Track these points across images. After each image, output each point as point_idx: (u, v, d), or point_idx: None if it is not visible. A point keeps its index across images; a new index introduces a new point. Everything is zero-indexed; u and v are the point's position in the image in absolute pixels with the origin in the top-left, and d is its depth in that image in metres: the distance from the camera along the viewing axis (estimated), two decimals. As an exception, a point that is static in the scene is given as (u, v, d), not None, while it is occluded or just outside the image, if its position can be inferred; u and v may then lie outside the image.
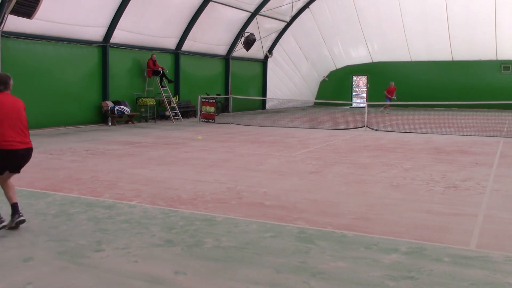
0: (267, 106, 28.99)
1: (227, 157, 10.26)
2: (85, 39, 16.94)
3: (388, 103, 25.48)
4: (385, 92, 26.34)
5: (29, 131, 5.34)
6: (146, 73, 19.73)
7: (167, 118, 20.33)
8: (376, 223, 5.53)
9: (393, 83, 26.72)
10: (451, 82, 29.55)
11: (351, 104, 33.06)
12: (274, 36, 27.48)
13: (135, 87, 19.46)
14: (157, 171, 8.62)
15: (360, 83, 37.55)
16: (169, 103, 20.13)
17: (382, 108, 26.22)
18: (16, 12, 13.32)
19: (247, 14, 24.06)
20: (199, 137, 13.67)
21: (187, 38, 21.25)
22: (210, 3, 20.88)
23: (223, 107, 24.00)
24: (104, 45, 17.63)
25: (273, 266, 4.18)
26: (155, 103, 19.83)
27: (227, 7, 22.23)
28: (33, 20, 13.92)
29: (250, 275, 4.00)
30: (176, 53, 21.47)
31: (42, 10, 13.99)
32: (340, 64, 32.80)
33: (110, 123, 17.65)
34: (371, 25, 28.60)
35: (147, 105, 19.46)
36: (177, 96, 21.39)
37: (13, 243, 4.73)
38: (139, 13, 18.08)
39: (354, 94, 35.34)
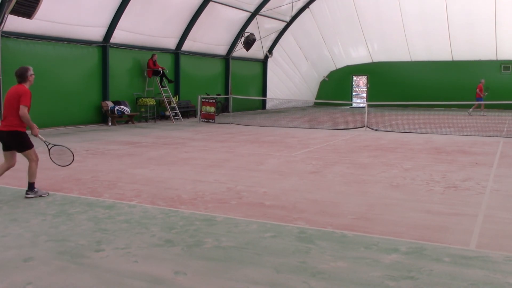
0: (267, 106, 28.99)
1: (227, 157, 10.26)
2: (85, 39, 16.94)
3: (481, 102, 23.57)
4: (478, 90, 24.48)
5: (13, 120, 6.51)
6: (146, 73, 19.74)
7: (167, 118, 20.33)
8: (376, 223, 5.53)
9: (484, 81, 24.95)
10: (451, 82, 29.55)
11: (351, 104, 33.07)
12: (274, 36, 27.48)
13: (135, 87, 19.46)
14: (157, 171, 8.63)
15: (360, 83, 37.57)
16: (169, 103, 20.13)
17: (481, 111, 24.64)
18: (16, 12, 13.32)
19: (247, 14, 24.05)
20: None
21: (187, 38, 21.25)
22: (210, 3, 20.88)
23: (223, 107, 24.01)
24: (104, 45, 17.63)
25: (273, 266, 4.18)
26: (155, 103, 19.83)
27: (227, 7, 22.23)
28: (33, 20, 13.92)
29: (250, 275, 4.00)
30: (176, 53, 21.47)
31: (42, 10, 13.99)
32: (340, 64, 32.80)
33: (110, 123, 17.65)
34: (371, 25, 28.60)
35: (147, 105, 19.46)
36: (177, 96, 21.39)
37: (13, 243, 4.73)
38: (139, 13, 18.08)
39: (354, 94, 35.37)
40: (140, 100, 19.27)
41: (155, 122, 19.66)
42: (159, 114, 20.43)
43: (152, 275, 3.97)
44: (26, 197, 6.59)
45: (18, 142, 6.58)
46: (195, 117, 21.55)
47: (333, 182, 7.83)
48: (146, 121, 19.61)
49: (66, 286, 3.75)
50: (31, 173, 6.65)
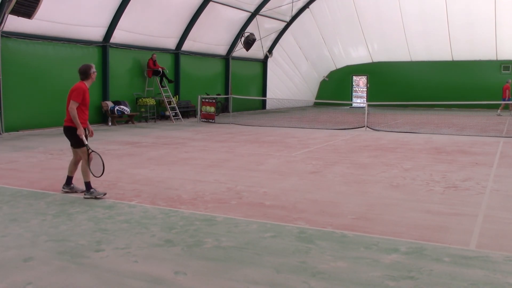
0: (267, 106, 28.99)
1: (227, 157, 10.26)
2: (85, 39, 16.94)
3: (507, 102, 23.30)
4: (508, 91, 24.00)
5: (67, 115, 6.84)
6: (146, 73, 19.74)
7: (167, 118, 20.33)
8: (376, 223, 5.53)
9: (510, 81, 24.49)
10: (451, 82, 29.55)
11: (351, 104, 33.07)
12: (274, 36, 27.47)
13: (135, 87, 19.46)
14: (157, 171, 8.62)
15: (360, 83, 37.57)
16: (169, 103, 20.14)
17: (500, 110, 24.44)
18: (16, 12, 13.32)
19: (247, 14, 24.05)
20: None
21: (187, 38, 21.25)
22: (210, 3, 20.88)
23: (223, 107, 24.01)
24: (104, 45, 17.63)
25: (273, 266, 4.18)
26: (155, 103, 19.82)
27: (227, 7, 22.23)
28: (33, 20, 13.92)
29: (250, 275, 4.00)
30: (176, 53, 21.47)
31: (42, 10, 13.98)
32: (340, 64, 32.80)
33: (110, 123, 17.65)
34: (371, 25, 28.60)
35: (147, 105, 19.46)
36: (177, 96, 21.39)
37: (13, 243, 4.73)
38: (139, 13, 18.08)
39: (354, 94, 35.36)
40: (140, 100, 19.27)
41: (155, 122, 19.66)
42: (159, 114, 20.43)
43: (152, 275, 3.97)
44: (84, 197, 6.56)
45: (70, 137, 6.78)
46: (195, 117, 21.55)
47: (333, 182, 7.83)
48: (146, 121, 19.61)
49: (66, 286, 3.75)
50: (82, 172, 6.67)
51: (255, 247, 4.67)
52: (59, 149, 11.34)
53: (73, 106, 6.61)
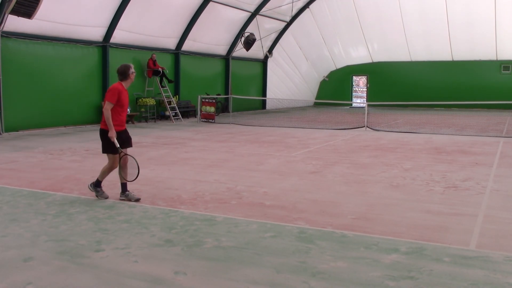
0: (267, 106, 28.99)
1: (227, 157, 10.26)
2: (85, 39, 16.94)
3: None
4: None
5: (102, 117, 6.45)
6: (146, 73, 19.74)
7: (167, 118, 20.33)
8: (376, 223, 5.53)
9: None
10: (451, 82, 29.55)
11: (351, 104, 33.07)
12: (274, 36, 27.47)
13: (135, 87, 19.43)
14: (157, 171, 8.62)
15: (360, 83, 37.56)
16: (169, 103, 20.14)
17: None
18: (16, 12, 13.32)
19: (247, 14, 24.05)
20: None
21: (187, 38, 21.25)
22: (210, 3, 20.88)
23: (223, 107, 24.01)
24: (104, 45, 17.63)
25: (273, 266, 4.18)
26: (155, 103, 19.83)
27: (227, 7, 22.23)
28: (33, 20, 13.92)
29: (250, 275, 4.00)
30: (176, 53, 21.47)
31: (42, 10, 13.98)
32: (340, 64, 32.80)
33: (110, 123, 17.63)
34: (371, 25, 28.60)
35: (147, 105, 19.46)
36: (177, 96, 21.39)
37: (13, 243, 4.73)
38: (139, 13, 18.08)
39: (354, 94, 35.35)
40: (140, 100, 19.27)
41: (155, 122, 19.66)
42: (159, 114, 20.43)
43: (152, 275, 3.97)
44: (89, 188, 6.66)
45: (101, 140, 6.56)
46: (195, 117, 21.55)
47: (333, 182, 7.83)
48: (146, 121, 19.61)
49: (66, 286, 3.75)
50: (101, 171, 6.62)
51: (255, 247, 4.67)
52: (59, 149, 11.35)
53: (107, 107, 6.30)
